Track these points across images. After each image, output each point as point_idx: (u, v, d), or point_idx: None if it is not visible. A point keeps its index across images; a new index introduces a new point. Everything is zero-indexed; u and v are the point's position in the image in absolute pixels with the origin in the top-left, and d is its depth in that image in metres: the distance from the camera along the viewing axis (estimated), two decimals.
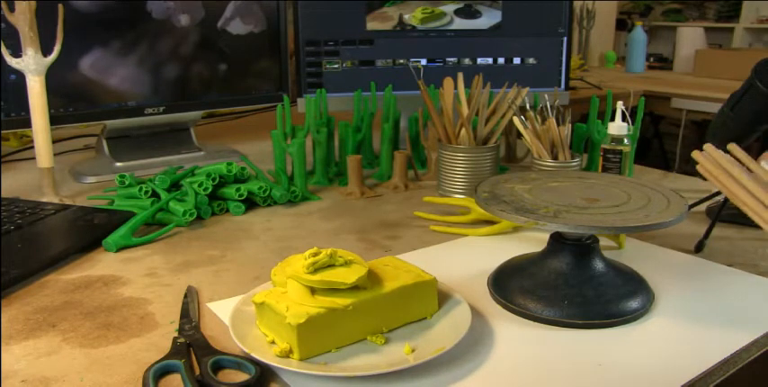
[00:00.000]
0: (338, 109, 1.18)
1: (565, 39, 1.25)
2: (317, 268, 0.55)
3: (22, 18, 0.87)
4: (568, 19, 1.24)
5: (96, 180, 1.09)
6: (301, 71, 1.21)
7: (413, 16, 1.21)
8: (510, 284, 0.65)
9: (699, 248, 0.78)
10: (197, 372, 0.51)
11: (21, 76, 0.91)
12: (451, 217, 0.89)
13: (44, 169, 0.93)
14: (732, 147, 0.62)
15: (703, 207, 0.90)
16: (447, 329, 0.57)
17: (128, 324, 0.60)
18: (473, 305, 0.62)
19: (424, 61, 1.24)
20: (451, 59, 1.25)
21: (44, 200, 0.92)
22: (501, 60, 1.25)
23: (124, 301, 0.65)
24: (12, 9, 0.87)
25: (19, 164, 1.23)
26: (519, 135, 1.07)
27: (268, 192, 0.94)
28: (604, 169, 0.96)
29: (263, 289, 0.60)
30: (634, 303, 0.61)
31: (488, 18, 1.23)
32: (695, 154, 0.64)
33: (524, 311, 0.61)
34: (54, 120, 0.98)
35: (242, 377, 0.51)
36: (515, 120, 0.98)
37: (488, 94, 0.99)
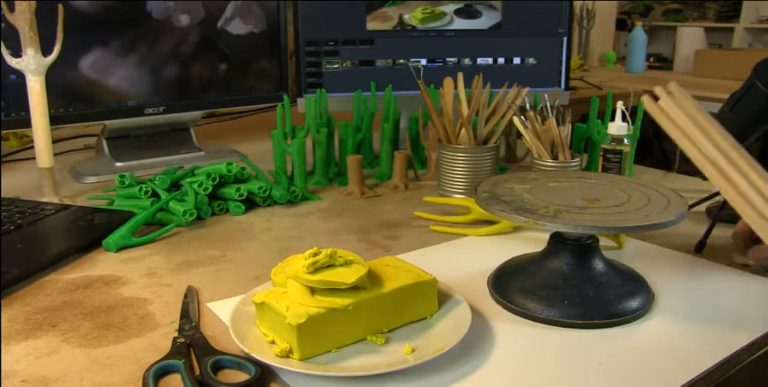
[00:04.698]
0: (338, 109, 1.18)
1: (565, 39, 1.25)
2: (316, 268, 0.55)
3: (22, 18, 0.87)
4: (568, 19, 1.24)
5: (96, 180, 1.09)
6: (301, 71, 1.21)
7: (413, 16, 1.21)
8: (510, 284, 0.65)
9: (699, 248, 0.78)
10: (197, 372, 0.51)
11: (21, 76, 0.91)
12: (451, 217, 0.88)
13: (44, 169, 0.93)
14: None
15: (703, 207, 0.90)
16: (447, 329, 0.56)
17: (128, 324, 0.60)
18: (473, 305, 0.62)
19: (424, 61, 1.24)
20: (451, 59, 1.25)
21: (44, 200, 0.92)
22: (501, 60, 1.25)
23: (124, 301, 0.65)
24: (12, 9, 0.87)
25: (19, 164, 1.23)
26: (519, 135, 1.07)
27: (268, 192, 0.94)
28: (604, 169, 0.96)
29: (263, 289, 0.60)
30: (634, 303, 0.61)
31: (488, 18, 1.23)
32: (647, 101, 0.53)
33: (524, 311, 0.61)
34: (54, 120, 0.98)
35: (242, 377, 0.51)
36: (515, 120, 0.98)
37: (488, 94, 0.99)
